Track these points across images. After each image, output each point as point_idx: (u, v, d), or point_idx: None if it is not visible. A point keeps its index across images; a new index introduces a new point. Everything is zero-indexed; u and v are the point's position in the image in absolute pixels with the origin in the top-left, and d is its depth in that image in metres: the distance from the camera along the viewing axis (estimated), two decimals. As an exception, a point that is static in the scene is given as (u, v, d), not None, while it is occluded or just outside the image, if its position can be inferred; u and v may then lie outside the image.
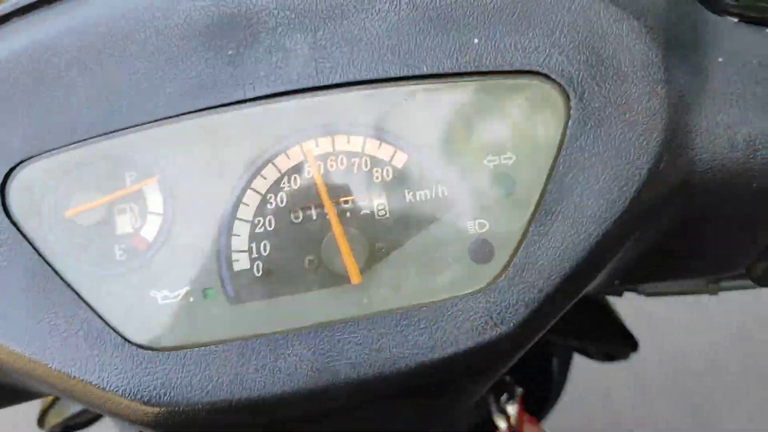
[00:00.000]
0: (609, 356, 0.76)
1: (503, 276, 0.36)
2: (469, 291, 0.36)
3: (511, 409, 0.70)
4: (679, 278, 0.50)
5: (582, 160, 0.36)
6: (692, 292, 0.55)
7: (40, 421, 0.76)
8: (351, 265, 0.36)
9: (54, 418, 0.74)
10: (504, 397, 0.69)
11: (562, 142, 0.37)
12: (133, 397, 0.34)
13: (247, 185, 0.37)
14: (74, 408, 0.71)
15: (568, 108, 0.37)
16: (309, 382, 0.35)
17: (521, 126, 0.37)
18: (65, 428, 0.76)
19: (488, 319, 0.35)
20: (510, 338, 0.35)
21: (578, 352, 0.80)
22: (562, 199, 0.36)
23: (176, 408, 0.34)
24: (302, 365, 0.35)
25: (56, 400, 0.74)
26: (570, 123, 0.36)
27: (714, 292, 0.55)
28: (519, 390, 0.70)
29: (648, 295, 0.56)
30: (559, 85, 0.36)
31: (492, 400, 0.70)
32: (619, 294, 0.58)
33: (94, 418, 0.77)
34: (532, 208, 0.37)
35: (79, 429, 0.78)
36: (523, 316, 0.35)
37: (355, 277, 0.36)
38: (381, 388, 0.36)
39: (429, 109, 0.37)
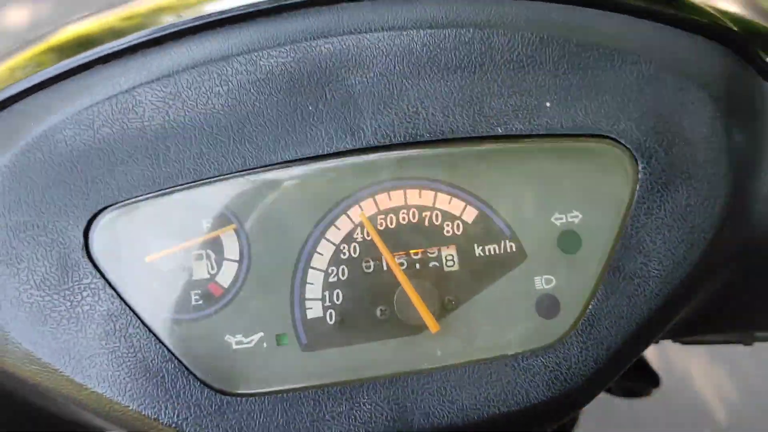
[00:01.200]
0: (630, 392, 0.77)
1: (571, 333, 0.37)
2: (539, 346, 0.37)
3: None
4: (721, 332, 0.51)
5: (649, 223, 0.37)
6: (728, 342, 0.56)
7: None
8: (427, 314, 0.37)
9: None
10: None
11: (630, 204, 0.38)
12: None
13: (321, 235, 0.38)
14: None
15: (636, 172, 0.38)
16: (384, 431, 0.36)
17: (589, 187, 0.38)
18: None
19: (558, 374, 0.36)
20: (577, 393, 0.37)
21: None
22: (630, 259, 0.37)
23: None
24: (377, 414, 0.36)
25: None
26: (638, 186, 0.38)
27: (749, 343, 0.56)
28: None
29: (684, 342, 0.57)
30: (628, 149, 0.38)
31: None
32: (656, 342, 0.58)
33: None
34: (598, 266, 0.38)
35: None
36: (591, 372, 0.36)
37: (433, 326, 0.37)
38: None
39: (500, 167, 0.38)
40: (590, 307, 0.37)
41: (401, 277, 0.37)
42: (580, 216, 0.38)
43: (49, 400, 0.38)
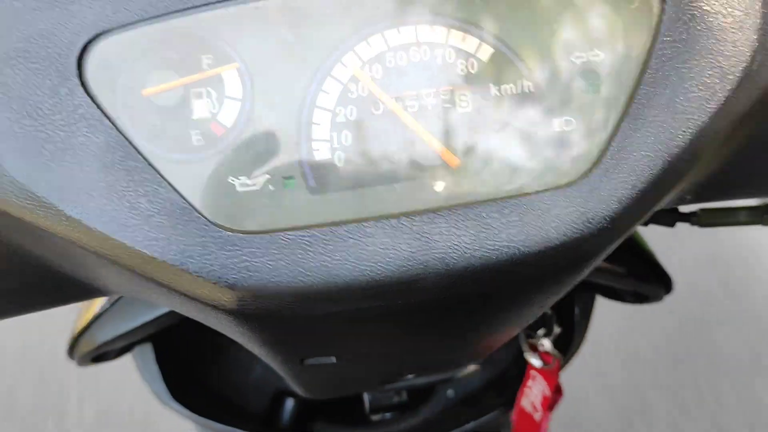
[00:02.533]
0: (641, 297, 0.75)
1: (594, 170, 0.35)
2: (559, 184, 0.35)
3: (547, 343, 0.69)
4: (748, 195, 0.49)
5: (675, 57, 0.35)
6: (747, 223, 0.54)
7: (70, 351, 0.75)
8: (444, 150, 0.35)
9: (84, 348, 0.73)
10: (541, 330, 0.69)
11: (655, 38, 0.36)
12: (216, 280, 0.33)
13: (328, 73, 0.35)
14: (105, 337, 0.71)
15: (662, 3, 0.35)
16: (397, 271, 0.34)
17: (610, 22, 0.36)
18: (95, 357, 0.75)
19: (580, 214, 0.35)
20: (601, 234, 0.35)
21: (605, 294, 0.79)
22: (655, 95, 0.35)
23: (261, 292, 0.33)
24: (390, 254, 0.34)
25: (85, 329, 0.73)
26: (664, 18, 0.35)
27: (767, 223, 0.54)
28: (557, 328, 0.69)
29: (702, 225, 0.55)
30: None
31: (524, 337, 0.70)
32: (672, 224, 0.57)
33: (125, 348, 0.76)
34: (621, 105, 0.36)
35: (109, 359, 0.77)
36: (616, 211, 0.35)
37: (452, 160, 0.35)
38: (469, 283, 0.35)
39: (516, 2, 0.36)
40: (613, 143, 0.35)
41: (406, 119, 0.35)
42: (602, 54, 0.36)
43: (46, 248, 0.36)
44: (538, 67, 0.36)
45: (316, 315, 0.35)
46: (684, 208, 0.54)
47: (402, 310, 0.37)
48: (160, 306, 0.60)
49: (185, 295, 0.34)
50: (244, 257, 0.33)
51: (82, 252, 0.34)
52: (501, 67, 0.36)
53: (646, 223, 0.53)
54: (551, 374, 0.68)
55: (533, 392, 0.69)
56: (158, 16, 0.34)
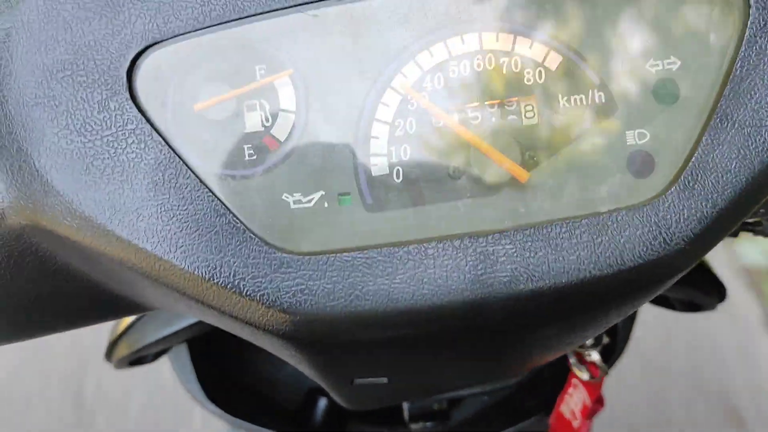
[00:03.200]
0: (693, 306, 0.73)
1: (672, 188, 0.33)
2: (634, 203, 0.33)
3: (596, 355, 0.67)
4: None
5: (761, 65, 0.33)
6: None
7: (108, 354, 0.75)
8: (510, 164, 0.33)
9: (122, 351, 0.72)
10: (592, 341, 0.66)
11: (738, 45, 0.33)
12: (270, 304, 0.31)
13: (387, 84, 0.34)
14: (144, 341, 0.70)
15: (747, 7, 0.33)
16: (462, 294, 0.32)
17: (690, 28, 0.34)
18: (133, 361, 0.75)
19: (657, 234, 0.32)
20: (679, 256, 0.32)
21: (657, 302, 0.76)
22: (739, 106, 0.33)
23: (316, 317, 0.32)
24: (453, 276, 0.32)
25: (125, 332, 0.72)
26: (749, 23, 0.33)
27: None
28: (605, 338, 0.67)
29: (767, 235, 0.52)
30: None
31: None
32: (735, 234, 0.54)
33: (162, 352, 0.76)
34: (700, 117, 0.33)
35: (146, 362, 0.77)
36: (695, 232, 0.32)
37: (520, 174, 0.33)
38: (535, 306, 0.33)
39: (586, 8, 0.34)
40: (693, 159, 0.33)
41: (469, 132, 0.33)
42: (679, 62, 0.34)
43: (92, 266, 0.35)
44: (610, 77, 0.34)
45: (373, 340, 0.34)
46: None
47: (462, 335, 0.35)
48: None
49: (237, 317, 0.33)
50: (299, 280, 0.32)
51: (131, 272, 0.33)
52: (570, 76, 0.34)
53: None
54: (594, 386, 0.66)
55: (573, 399, 0.67)
56: (210, 26, 0.33)
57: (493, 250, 0.32)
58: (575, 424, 0.66)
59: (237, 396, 0.76)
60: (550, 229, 0.33)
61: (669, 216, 0.32)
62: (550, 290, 0.32)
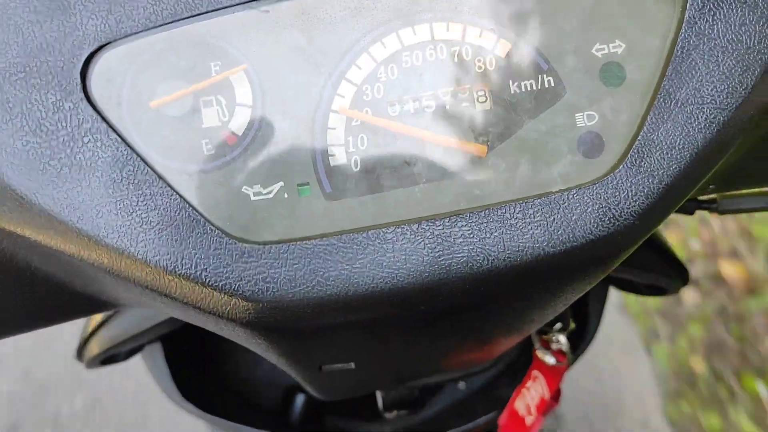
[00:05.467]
0: (657, 290, 0.74)
1: (620, 166, 0.34)
2: (585, 181, 0.34)
3: (563, 339, 0.68)
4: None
5: (701, 45, 0.34)
6: (766, 209, 0.53)
7: (79, 354, 0.74)
8: (468, 144, 0.34)
9: (93, 350, 0.72)
10: (558, 325, 0.67)
11: (678, 27, 0.34)
12: (232, 293, 0.32)
13: (342, 76, 0.34)
14: (114, 339, 0.70)
15: None
16: (420, 276, 0.33)
17: (633, 12, 0.35)
18: (104, 360, 0.74)
19: (606, 210, 0.33)
20: (629, 231, 0.34)
21: (621, 287, 0.78)
22: (681, 86, 0.34)
23: (279, 304, 0.32)
24: (412, 259, 0.33)
25: (95, 331, 0.72)
26: (689, 6, 0.34)
27: None
28: (572, 323, 0.68)
29: (722, 212, 0.54)
30: None
31: (535, 333, 0.69)
32: (691, 212, 0.56)
33: (134, 351, 0.76)
34: (645, 97, 0.34)
35: (118, 361, 0.76)
36: (644, 207, 0.34)
37: (479, 150, 0.34)
38: (492, 284, 0.34)
39: None
40: (639, 137, 0.34)
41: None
42: (624, 46, 0.35)
43: (54, 265, 0.35)
44: (558, 62, 0.35)
45: (336, 325, 0.34)
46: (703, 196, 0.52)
47: (423, 316, 0.36)
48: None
49: (201, 308, 0.33)
50: (261, 268, 0.32)
51: (93, 268, 0.33)
52: (520, 62, 0.35)
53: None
54: (556, 375, 0.67)
55: (531, 393, 0.67)
56: (163, 25, 0.33)
57: (450, 233, 0.33)
58: (528, 420, 0.66)
59: (214, 395, 0.76)
60: (504, 210, 0.34)
61: (618, 193, 0.34)
62: (506, 269, 0.33)
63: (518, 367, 0.73)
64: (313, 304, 0.33)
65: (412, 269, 0.33)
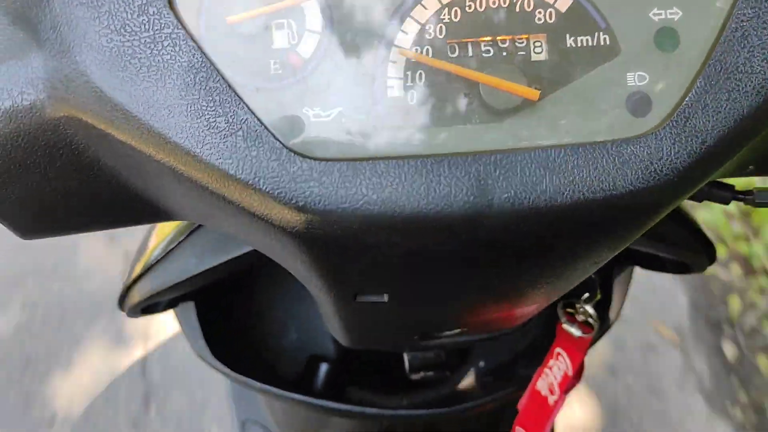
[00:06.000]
0: (684, 267, 0.74)
1: (665, 124, 0.35)
2: (629, 136, 0.35)
3: (590, 308, 0.68)
4: None
5: (755, 18, 0.35)
6: None
7: (121, 302, 0.77)
8: (521, 87, 0.35)
9: (134, 298, 0.75)
10: (585, 295, 0.67)
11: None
12: (287, 202, 0.34)
13: (407, 13, 0.36)
14: (154, 288, 0.72)
15: None
16: (464, 206, 0.34)
17: None
18: (144, 309, 0.77)
19: (648, 164, 0.35)
20: (668, 186, 0.35)
21: (646, 265, 0.77)
22: (732, 53, 0.35)
23: (328, 216, 0.34)
24: (458, 189, 0.34)
25: (135, 281, 0.75)
26: None
27: None
28: (599, 292, 0.68)
29: (757, 205, 0.54)
30: None
31: (561, 307, 0.69)
32: (727, 202, 0.56)
33: (174, 301, 0.78)
34: (697, 64, 0.36)
35: (157, 311, 0.79)
36: (685, 165, 0.35)
37: (531, 93, 0.35)
38: (532, 225, 0.35)
39: None
40: (686, 100, 0.35)
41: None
42: (681, 13, 0.36)
43: (122, 161, 0.37)
44: (615, 22, 0.36)
45: (379, 244, 0.36)
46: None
47: (462, 249, 0.37)
48: (228, 237, 0.61)
49: (254, 215, 0.35)
50: (314, 182, 0.34)
51: (159, 167, 0.36)
52: (579, 19, 0.36)
53: (701, 200, 0.53)
54: (580, 348, 0.67)
55: (554, 372, 0.67)
56: None
57: (494, 168, 0.35)
58: (551, 399, 0.66)
59: (242, 357, 0.78)
60: (549, 153, 0.35)
61: (661, 149, 0.35)
62: (545, 209, 0.34)
63: (539, 347, 0.73)
64: (359, 221, 0.34)
65: (456, 198, 0.34)
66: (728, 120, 0.35)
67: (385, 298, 0.43)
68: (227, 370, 0.75)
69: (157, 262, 0.71)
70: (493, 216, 0.34)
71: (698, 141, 0.35)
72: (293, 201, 0.34)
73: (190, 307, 0.79)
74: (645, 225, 0.38)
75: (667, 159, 0.35)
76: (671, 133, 0.35)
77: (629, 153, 0.35)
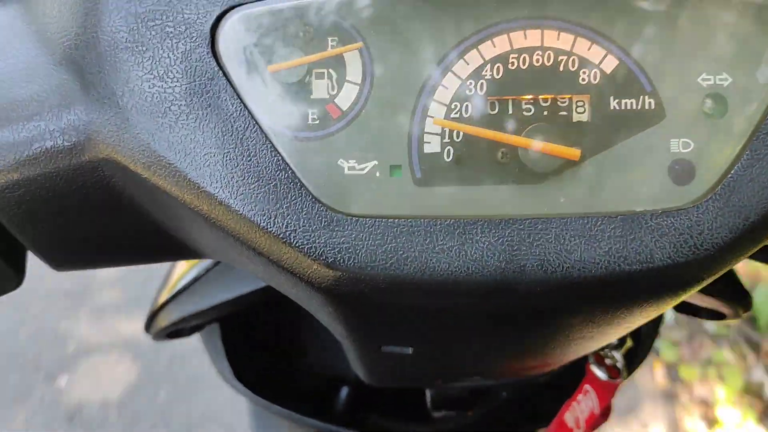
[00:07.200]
0: (717, 315, 0.72)
1: (708, 197, 0.34)
2: (670, 207, 0.34)
3: (618, 356, 0.67)
4: None
5: None
6: None
7: (147, 326, 0.77)
8: (560, 148, 0.35)
9: (160, 323, 0.75)
10: (615, 341, 0.66)
11: None
12: (316, 257, 0.33)
13: (449, 68, 0.36)
14: (180, 314, 0.72)
15: None
16: (495, 271, 0.34)
17: (743, 46, 0.35)
18: (170, 333, 0.77)
19: (688, 238, 0.34)
20: (707, 262, 0.34)
21: (681, 309, 0.75)
22: None
23: (357, 275, 0.34)
24: (490, 254, 0.34)
25: (163, 306, 0.75)
26: None
27: None
28: (629, 341, 0.67)
29: None
30: None
31: None
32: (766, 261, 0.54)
33: (199, 326, 0.78)
34: (745, 133, 0.35)
35: (182, 336, 0.79)
36: (726, 240, 0.33)
37: (572, 154, 0.35)
38: (564, 293, 0.34)
39: (647, 16, 0.35)
40: (732, 172, 0.34)
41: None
42: (731, 79, 0.35)
43: (156, 205, 0.37)
44: (661, 86, 0.35)
45: (407, 305, 0.35)
46: None
47: (492, 311, 0.36)
48: (254, 275, 0.61)
49: (283, 267, 0.35)
50: (345, 238, 0.34)
51: (192, 213, 0.35)
52: (624, 80, 0.35)
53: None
54: (608, 391, 0.66)
55: (581, 407, 0.66)
56: None
57: (528, 235, 0.34)
58: None
59: (263, 379, 0.78)
60: (585, 221, 0.34)
61: (702, 223, 0.34)
62: (579, 279, 0.34)
63: (565, 381, 0.71)
64: (389, 281, 0.34)
65: (488, 263, 0.34)
66: None
67: (410, 350, 0.43)
68: (248, 392, 0.75)
69: (185, 289, 0.72)
70: (525, 283, 0.34)
71: (741, 217, 0.34)
72: (322, 257, 0.33)
73: (215, 329, 0.79)
74: (682, 296, 0.37)
75: (708, 234, 0.34)
76: (714, 206, 0.34)
77: (668, 225, 0.34)
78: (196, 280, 0.71)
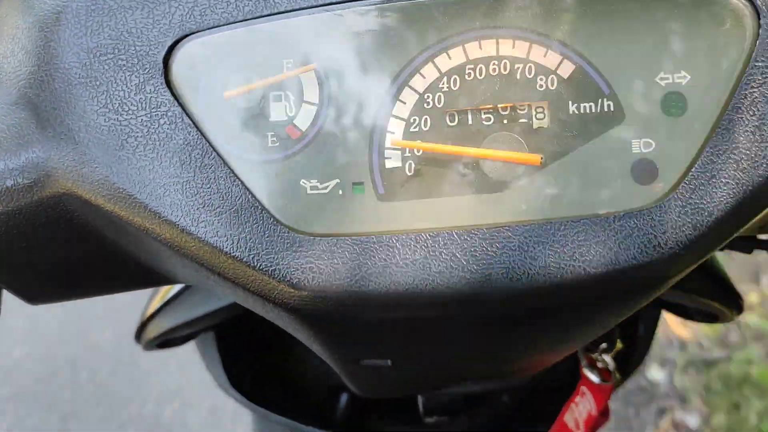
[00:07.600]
0: (710, 317, 0.72)
1: (670, 196, 0.34)
2: (633, 208, 0.34)
3: (609, 359, 0.67)
4: None
5: (765, 84, 0.34)
6: None
7: (138, 335, 0.78)
8: (521, 155, 0.35)
9: (151, 333, 0.75)
10: (604, 345, 0.66)
11: (746, 62, 0.34)
12: (280, 279, 0.34)
13: (405, 83, 0.36)
14: (171, 324, 0.73)
15: (757, 26, 0.34)
16: (460, 282, 0.34)
17: (700, 44, 0.35)
18: (161, 343, 0.77)
19: (651, 238, 0.34)
20: (672, 261, 0.34)
21: (675, 311, 0.76)
22: (741, 121, 0.34)
23: (322, 294, 0.34)
24: (454, 265, 0.34)
25: (153, 316, 0.75)
26: (758, 43, 0.34)
27: None
28: (619, 344, 0.67)
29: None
30: (750, 1, 0.34)
31: (582, 350, 0.68)
32: (749, 251, 0.54)
33: (190, 336, 0.78)
34: (704, 130, 0.34)
35: (173, 345, 0.79)
36: (690, 238, 0.33)
37: (534, 160, 0.35)
38: (531, 299, 0.34)
39: (601, 19, 0.35)
40: (693, 169, 0.34)
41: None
42: (689, 77, 0.35)
43: (122, 235, 0.37)
44: (620, 87, 0.35)
45: (375, 320, 0.35)
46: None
47: (461, 321, 0.37)
48: (225, 297, 0.61)
49: (249, 290, 0.35)
50: (308, 258, 0.34)
51: (156, 242, 0.36)
52: (582, 84, 0.35)
53: (722, 249, 0.51)
54: (603, 393, 0.66)
55: (579, 409, 0.67)
56: (243, 20, 0.35)
57: (492, 244, 0.34)
58: None
59: (261, 387, 0.78)
60: (549, 227, 0.34)
61: (665, 222, 0.34)
62: (545, 285, 0.34)
63: (564, 383, 0.72)
64: (354, 298, 0.34)
65: (452, 275, 0.34)
66: (737, 191, 0.33)
67: (389, 362, 0.43)
68: (244, 401, 0.76)
69: (175, 298, 0.72)
70: (490, 292, 0.34)
71: (704, 214, 0.34)
72: (286, 278, 0.34)
73: (210, 337, 0.79)
74: (651, 295, 0.37)
75: (672, 232, 0.34)
76: (677, 204, 0.34)
77: (632, 226, 0.34)
78: (187, 288, 0.71)
